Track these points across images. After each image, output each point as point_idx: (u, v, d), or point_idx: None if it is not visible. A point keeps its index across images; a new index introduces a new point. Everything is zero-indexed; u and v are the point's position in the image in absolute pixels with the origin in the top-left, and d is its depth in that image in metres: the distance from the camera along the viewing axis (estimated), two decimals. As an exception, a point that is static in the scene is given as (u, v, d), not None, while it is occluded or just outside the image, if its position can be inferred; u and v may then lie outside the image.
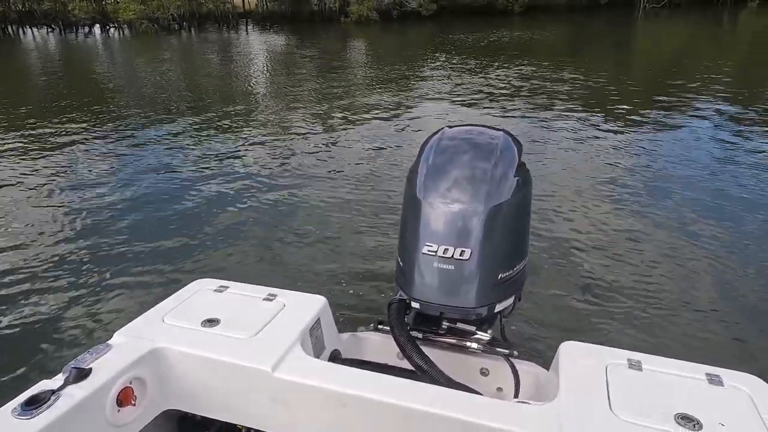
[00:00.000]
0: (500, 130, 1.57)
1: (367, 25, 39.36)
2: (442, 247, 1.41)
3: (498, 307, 1.48)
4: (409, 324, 1.51)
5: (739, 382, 1.16)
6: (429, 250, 1.42)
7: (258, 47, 26.47)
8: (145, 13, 40.15)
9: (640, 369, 1.21)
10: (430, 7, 43.01)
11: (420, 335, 1.53)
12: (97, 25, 42.79)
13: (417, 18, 41.70)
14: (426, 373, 1.34)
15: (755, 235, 4.53)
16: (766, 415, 1.06)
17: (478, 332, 1.51)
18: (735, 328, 3.32)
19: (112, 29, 42.39)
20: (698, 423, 1.04)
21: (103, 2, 43.79)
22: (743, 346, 3.17)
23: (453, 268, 1.41)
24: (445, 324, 1.53)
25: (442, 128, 1.60)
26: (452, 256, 1.40)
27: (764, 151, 6.97)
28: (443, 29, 31.83)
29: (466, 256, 1.39)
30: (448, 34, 27.94)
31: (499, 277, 1.43)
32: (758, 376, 1.18)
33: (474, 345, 1.50)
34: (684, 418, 1.05)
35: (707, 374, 1.18)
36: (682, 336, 3.22)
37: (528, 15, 44.09)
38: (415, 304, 1.47)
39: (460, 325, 1.52)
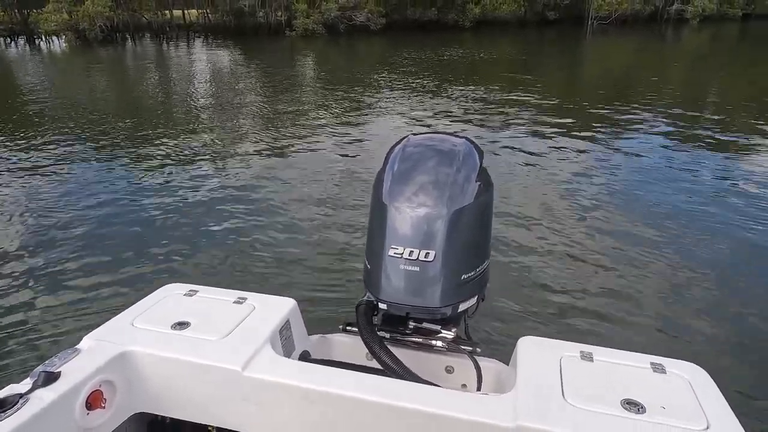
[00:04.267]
0: (462, 137, 1.69)
1: (313, 38, 39.62)
2: (408, 250, 1.50)
3: (462, 307, 1.58)
4: (376, 325, 1.60)
5: (680, 369, 1.30)
6: (395, 253, 1.51)
7: (201, 62, 26.17)
8: (69, 24, 38.77)
9: (591, 360, 1.33)
10: (378, 22, 43.72)
11: (387, 335, 1.61)
12: (23, 37, 41.05)
13: (365, 32, 42.31)
14: (393, 371, 1.42)
15: (699, 237, 5.03)
16: (703, 399, 1.20)
17: (443, 331, 1.60)
18: (679, 321, 3.71)
19: (40, 41, 40.75)
20: (642, 407, 1.17)
21: (26, 12, 42.04)
22: (685, 337, 3.55)
23: (418, 269, 1.50)
24: (411, 324, 1.62)
25: (407, 136, 1.71)
26: (417, 257, 1.49)
27: (704, 158, 7.70)
28: (393, 45, 32.51)
29: (431, 257, 1.49)
30: (398, 50, 28.53)
31: (462, 278, 1.54)
32: (697, 364, 1.32)
33: (439, 344, 1.59)
34: (629, 403, 1.18)
35: (652, 363, 1.32)
36: (631, 329, 3.58)
37: (478, 30, 45.72)
38: (382, 305, 1.56)
39: (425, 325, 1.61)
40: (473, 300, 1.62)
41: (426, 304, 1.53)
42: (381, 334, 1.59)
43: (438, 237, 1.50)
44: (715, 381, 1.28)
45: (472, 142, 1.67)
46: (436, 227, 1.50)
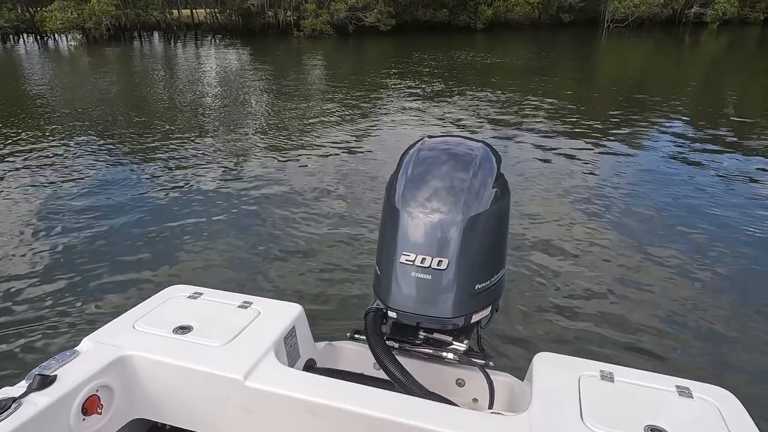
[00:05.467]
0: (479, 141, 1.66)
1: (321, 39, 39.77)
2: (420, 257, 1.47)
3: (475, 318, 1.55)
4: (385, 334, 1.58)
5: (708, 394, 1.24)
6: (407, 260, 1.48)
7: (208, 62, 26.37)
8: (75, 23, 39.20)
9: (612, 380, 1.28)
10: (388, 22, 43.72)
11: (396, 345, 1.59)
12: (32, 35, 41.65)
13: (375, 33, 42.35)
14: (401, 383, 1.39)
15: (729, 252, 4.89)
16: (733, 427, 1.14)
17: (455, 343, 1.57)
18: (706, 340, 3.59)
19: (48, 39, 41.35)
20: None
21: (34, 10, 42.57)
22: (713, 358, 3.42)
23: (430, 277, 1.47)
24: (421, 334, 1.59)
25: (422, 138, 1.68)
26: (430, 265, 1.46)
27: (721, 164, 7.63)
28: (403, 46, 32.51)
29: (444, 265, 1.46)
30: (408, 51, 28.54)
31: (476, 287, 1.51)
32: (726, 389, 1.26)
33: (450, 355, 1.56)
34: (653, 430, 1.13)
35: (677, 386, 1.26)
36: (655, 348, 3.45)
37: (491, 32, 45.65)
38: (392, 314, 1.53)
39: (436, 336, 1.58)
40: (487, 311, 1.59)
41: (437, 314, 1.51)
42: (390, 343, 1.57)
43: (452, 244, 1.47)
44: (746, 408, 1.22)
45: (490, 146, 1.64)
46: (450, 234, 1.47)
